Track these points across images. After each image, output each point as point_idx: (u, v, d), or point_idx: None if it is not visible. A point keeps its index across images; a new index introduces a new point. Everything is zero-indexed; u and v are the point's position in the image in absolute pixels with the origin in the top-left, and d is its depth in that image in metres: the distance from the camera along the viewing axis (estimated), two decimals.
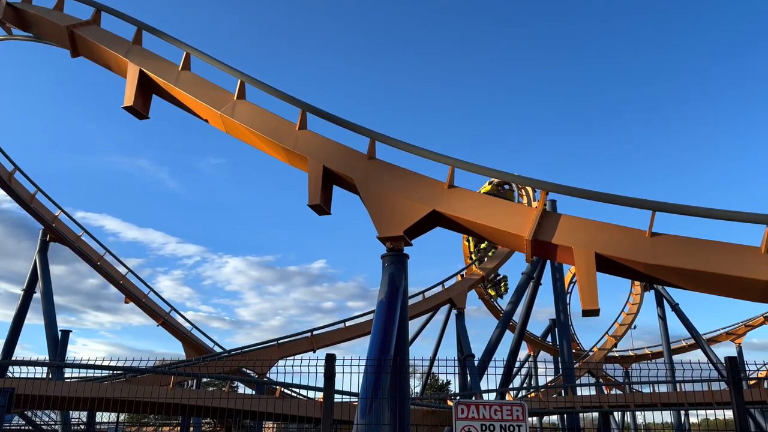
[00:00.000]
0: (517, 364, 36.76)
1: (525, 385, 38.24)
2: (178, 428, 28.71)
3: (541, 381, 37.51)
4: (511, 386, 28.58)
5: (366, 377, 8.28)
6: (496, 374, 29.36)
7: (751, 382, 30.13)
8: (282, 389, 18.59)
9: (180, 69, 12.80)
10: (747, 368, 36.97)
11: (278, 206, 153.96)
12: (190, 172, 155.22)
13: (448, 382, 54.55)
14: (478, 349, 27.92)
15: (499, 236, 10.66)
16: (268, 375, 21.35)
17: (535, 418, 27.54)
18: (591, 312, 9.21)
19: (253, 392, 21.46)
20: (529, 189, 31.33)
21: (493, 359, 25.86)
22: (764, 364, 39.61)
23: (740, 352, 39.29)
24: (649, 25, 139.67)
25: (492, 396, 21.83)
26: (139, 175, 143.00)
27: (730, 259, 8.42)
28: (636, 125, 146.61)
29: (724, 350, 41.15)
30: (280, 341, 24.96)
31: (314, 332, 25.51)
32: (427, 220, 10.57)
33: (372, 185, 10.74)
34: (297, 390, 19.74)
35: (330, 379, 5.19)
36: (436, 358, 29.80)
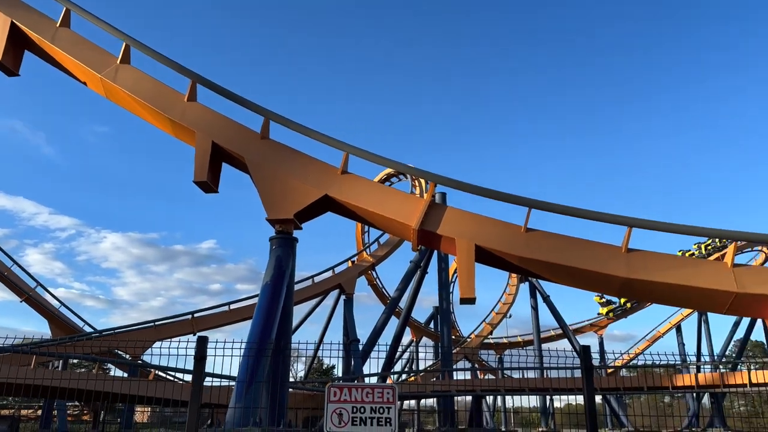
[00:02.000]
0: (401, 349, 37.90)
1: (406, 369, 39.46)
2: (40, 411, 26.77)
3: (422, 365, 38.93)
4: (393, 370, 29.37)
5: (244, 360, 8.16)
6: (379, 358, 30.02)
7: (609, 371, 33.17)
8: (156, 372, 17.86)
9: (58, 25, 11.76)
10: (606, 358, 40.83)
11: (167, 181, 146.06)
12: (71, 139, 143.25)
13: (333, 366, 55.07)
14: (366, 334, 28.36)
15: (388, 224, 10.87)
16: (142, 357, 20.40)
17: (413, 401, 28.53)
18: (468, 300, 9.66)
19: (126, 375, 20.42)
20: (422, 180, 32.15)
21: (377, 344, 26.51)
22: (621, 354, 43.75)
23: (602, 343, 43.25)
24: (539, 20, 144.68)
25: (374, 379, 22.29)
26: (11, 138, 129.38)
27: (593, 256, 9.16)
28: (537, 127, 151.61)
29: (588, 340, 44.92)
30: (157, 323, 23.89)
31: (196, 314, 24.70)
32: (318, 205, 10.54)
33: (264, 165, 10.52)
34: (174, 373, 19.02)
35: (200, 362, 5.03)
36: (323, 342, 30.02)
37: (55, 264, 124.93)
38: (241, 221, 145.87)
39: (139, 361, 19.63)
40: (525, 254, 9.37)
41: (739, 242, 10.86)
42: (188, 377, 18.35)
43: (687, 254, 37.22)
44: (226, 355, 6.75)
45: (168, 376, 19.83)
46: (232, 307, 25.86)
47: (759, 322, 33.42)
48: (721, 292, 8.64)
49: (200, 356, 5.03)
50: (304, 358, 38.77)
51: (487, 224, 9.96)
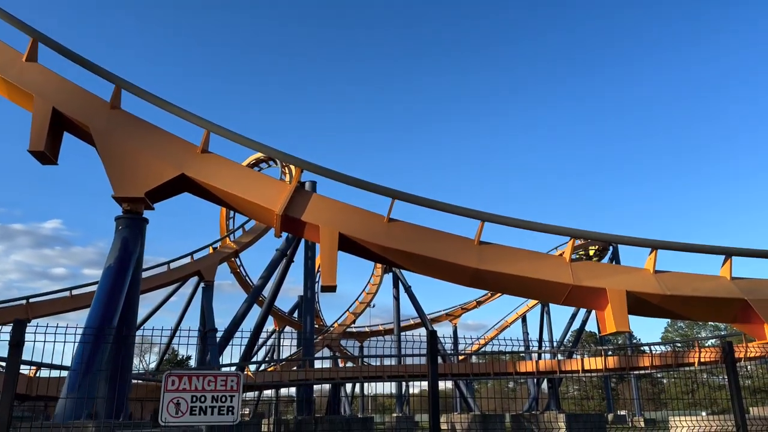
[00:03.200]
0: (263, 338, 37.21)
1: (268, 358, 38.88)
2: None
3: (284, 354, 38.58)
4: (253, 360, 28.76)
5: (80, 348, 7.47)
6: (241, 345, 29.19)
7: (461, 357, 35.12)
8: None
9: None
10: (459, 344, 43.26)
11: (6, 150, 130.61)
12: None
13: (189, 357, 52.70)
14: (227, 323, 27.39)
15: (250, 209, 10.52)
16: None
17: (272, 390, 28.15)
18: (329, 288, 9.63)
19: None
20: (292, 167, 31.63)
21: (238, 332, 25.73)
22: (474, 341, 46.45)
23: (455, 331, 45.76)
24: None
25: (232, 369, 21.65)
26: None
27: (448, 247, 9.54)
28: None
29: (444, 329, 47.26)
30: None
31: (31, 300, 22.39)
32: (173, 184, 9.93)
33: (112, 137, 9.69)
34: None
35: (16, 348, 4.46)
36: (178, 330, 28.61)
37: None
38: (92, 200, 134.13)
39: None
40: (385, 243, 9.53)
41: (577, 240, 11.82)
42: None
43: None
44: (58, 341, 6.10)
45: None
46: (75, 292, 23.74)
47: (593, 313, 37.05)
48: (559, 284, 9.41)
49: (16, 342, 4.46)
50: (156, 348, 36.78)
51: (351, 213, 10.00)
